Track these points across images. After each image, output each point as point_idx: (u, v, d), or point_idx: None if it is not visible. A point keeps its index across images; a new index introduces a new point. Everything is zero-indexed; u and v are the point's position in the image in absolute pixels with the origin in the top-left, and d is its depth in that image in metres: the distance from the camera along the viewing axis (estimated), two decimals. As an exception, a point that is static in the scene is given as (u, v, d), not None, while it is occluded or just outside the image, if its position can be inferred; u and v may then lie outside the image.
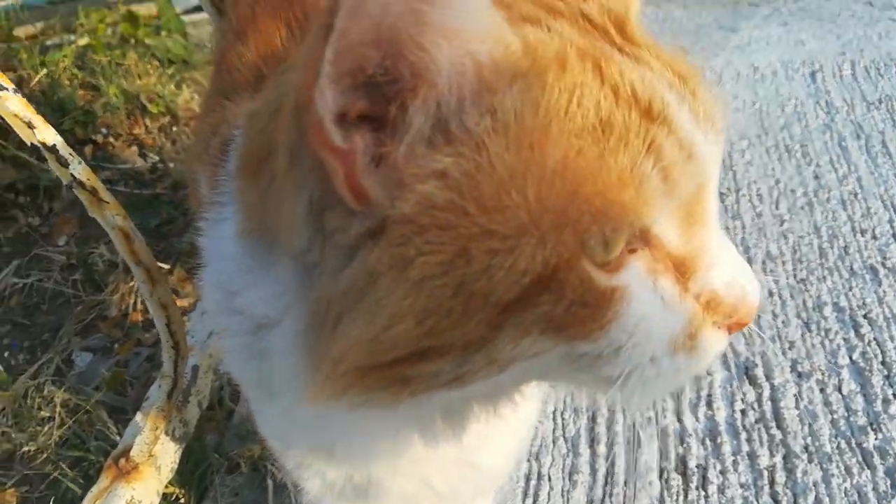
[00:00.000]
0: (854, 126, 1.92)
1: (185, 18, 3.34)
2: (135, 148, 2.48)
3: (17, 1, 3.10)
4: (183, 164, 2.19)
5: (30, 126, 0.80)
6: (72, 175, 0.83)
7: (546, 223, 0.44)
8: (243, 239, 0.59)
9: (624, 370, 0.49)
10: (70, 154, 0.84)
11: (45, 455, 1.54)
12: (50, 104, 2.46)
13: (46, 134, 0.82)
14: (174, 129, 2.57)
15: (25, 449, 1.56)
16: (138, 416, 1.11)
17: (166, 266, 1.97)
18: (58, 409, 1.61)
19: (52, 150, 0.82)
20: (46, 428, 1.58)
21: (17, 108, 0.80)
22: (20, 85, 2.51)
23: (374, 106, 0.44)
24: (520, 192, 0.44)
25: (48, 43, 3.02)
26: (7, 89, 0.80)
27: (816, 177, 1.77)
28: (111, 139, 2.48)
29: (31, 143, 0.82)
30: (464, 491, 0.81)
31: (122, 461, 1.05)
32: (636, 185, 0.44)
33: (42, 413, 1.62)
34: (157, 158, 2.29)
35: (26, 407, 1.63)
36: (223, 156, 0.66)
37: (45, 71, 2.65)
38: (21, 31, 3.02)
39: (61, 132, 2.34)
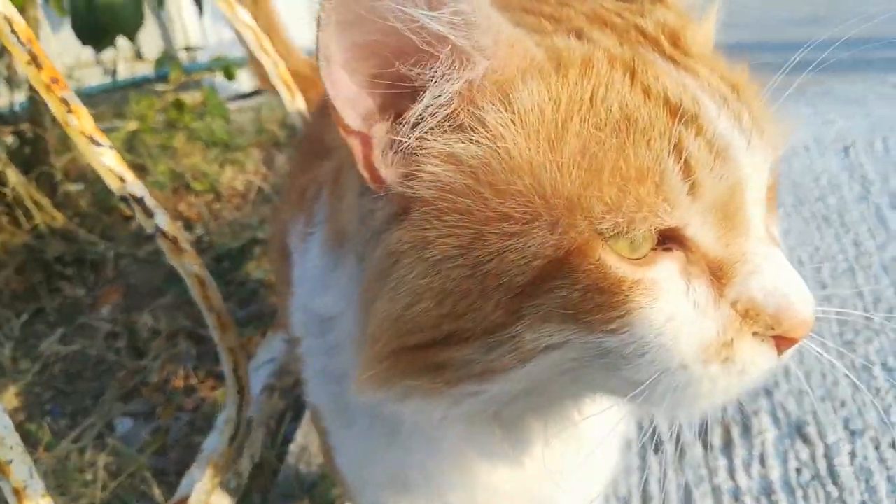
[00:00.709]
0: (890, 196, 1.99)
1: (229, 105, 3.56)
2: (179, 223, 2.62)
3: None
4: (269, 224, 2.28)
5: (121, 179, 0.90)
6: (156, 225, 0.91)
7: (559, 209, 0.46)
8: (325, 247, 0.66)
9: (652, 373, 0.49)
10: (155, 206, 0.93)
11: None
12: (100, 183, 2.62)
13: (135, 187, 0.91)
14: (216, 205, 2.71)
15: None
16: (193, 468, 1.15)
17: (208, 334, 2.05)
18: (100, 471, 1.64)
19: (140, 201, 0.91)
20: (88, 490, 1.61)
21: (111, 162, 0.89)
22: (73, 164, 2.69)
23: (391, 96, 0.50)
24: (535, 179, 0.47)
25: (101, 127, 3.22)
26: (103, 145, 0.90)
27: (856, 244, 1.82)
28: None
29: (121, 195, 0.91)
30: None
31: None
32: (655, 180, 0.46)
33: (84, 476, 1.66)
34: (202, 232, 2.41)
35: (69, 470, 1.67)
36: (318, 196, 0.72)
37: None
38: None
39: (109, 210, 2.47)
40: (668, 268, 0.49)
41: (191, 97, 3.44)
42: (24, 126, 2.37)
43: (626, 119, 0.47)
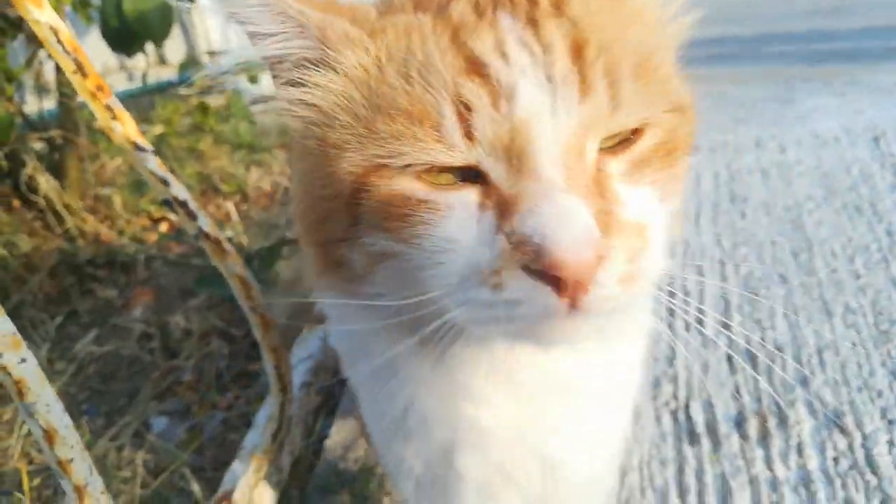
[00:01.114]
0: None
1: (252, 108, 3.61)
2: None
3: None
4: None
5: (164, 183, 0.93)
6: (199, 227, 0.94)
7: (364, 138, 0.58)
8: None
9: (442, 286, 0.56)
10: (197, 209, 0.96)
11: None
12: (129, 187, 2.67)
13: (178, 190, 0.94)
14: (244, 206, 2.75)
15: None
16: (235, 464, 1.18)
17: (240, 333, 2.09)
18: (139, 469, 1.68)
19: (183, 204, 0.94)
20: (128, 487, 1.65)
21: (154, 167, 0.92)
22: (102, 169, 2.74)
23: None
24: (352, 115, 0.59)
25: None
26: (147, 150, 0.93)
27: (889, 234, 1.81)
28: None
29: (165, 199, 0.93)
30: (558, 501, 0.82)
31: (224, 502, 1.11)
32: (433, 123, 0.54)
33: (123, 473, 1.70)
34: (231, 233, 2.45)
35: (108, 468, 1.71)
36: None
37: (121, 158, 2.88)
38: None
39: (138, 212, 2.51)
40: (464, 196, 0.56)
41: (214, 101, 3.49)
42: (55, 132, 2.42)
43: (423, 70, 0.55)
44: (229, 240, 2.42)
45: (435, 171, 0.56)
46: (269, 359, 0.98)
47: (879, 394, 1.38)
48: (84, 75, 0.86)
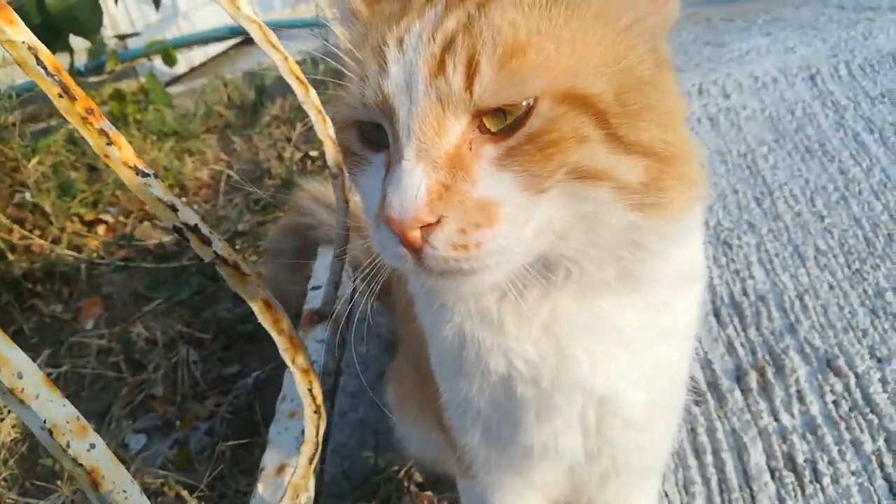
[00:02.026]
0: (865, 121, 2.05)
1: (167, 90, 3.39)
2: (147, 223, 2.50)
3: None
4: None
5: (173, 209, 0.83)
6: (214, 252, 0.86)
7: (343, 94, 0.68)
8: None
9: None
10: (210, 232, 0.87)
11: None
12: (55, 190, 2.47)
13: (188, 215, 0.85)
14: (183, 200, 2.60)
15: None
16: (259, 488, 1.12)
17: (208, 336, 1.98)
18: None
19: (195, 229, 0.85)
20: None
21: (160, 192, 0.83)
22: (16, 171, 2.52)
23: None
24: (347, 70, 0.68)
25: (34, 129, 3.03)
26: (150, 175, 0.83)
27: (842, 172, 1.88)
28: (121, 217, 2.49)
29: (174, 225, 0.85)
30: (616, 451, 0.85)
31: None
32: (358, 86, 0.64)
33: (110, 501, 1.60)
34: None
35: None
36: None
37: (37, 158, 2.65)
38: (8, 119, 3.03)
39: (69, 217, 2.34)
40: (379, 157, 0.65)
41: (126, 86, 3.26)
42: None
43: (368, 42, 0.65)
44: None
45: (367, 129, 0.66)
46: (300, 381, 0.92)
47: (864, 333, 1.44)
48: (72, 99, 0.75)
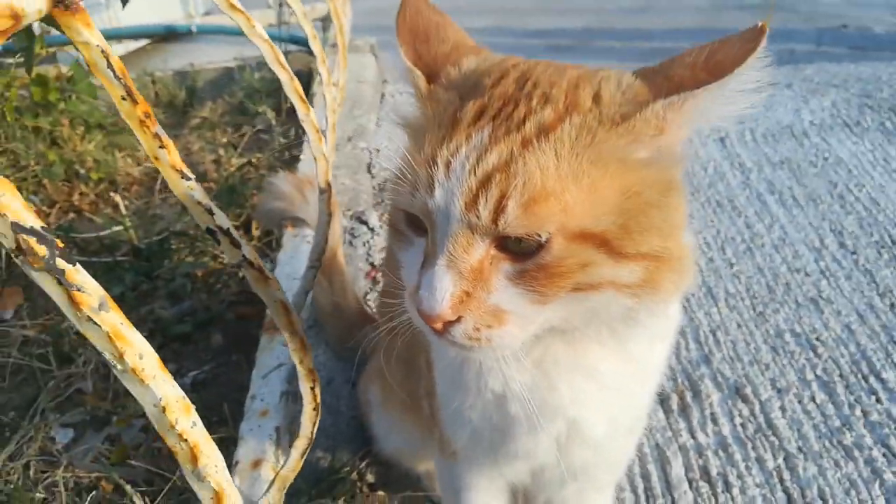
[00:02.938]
0: (767, 183, 2.33)
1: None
2: (73, 215, 2.44)
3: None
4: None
5: (210, 212, 0.90)
6: (243, 256, 0.92)
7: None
8: None
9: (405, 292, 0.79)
10: (240, 236, 0.94)
11: (56, 539, 1.49)
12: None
13: (222, 220, 0.91)
14: (114, 195, 2.55)
15: (28, 535, 1.50)
16: (236, 480, 1.16)
17: (142, 334, 1.97)
18: (61, 490, 1.56)
19: (227, 233, 0.92)
20: (49, 510, 1.53)
21: (200, 196, 0.89)
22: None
23: None
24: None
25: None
26: (192, 179, 0.90)
27: (748, 226, 2.14)
28: (45, 208, 2.42)
29: (208, 227, 0.91)
30: (578, 463, 0.98)
31: None
32: (411, 182, 0.73)
33: (37, 495, 1.57)
34: (116, 225, 2.27)
35: (18, 490, 1.57)
36: None
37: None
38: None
39: None
40: (421, 241, 0.76)
41: (43, 69, 3.14)
42: None
43: (424, 141, 0.74)
44: (122, 232, 2.25)
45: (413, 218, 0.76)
46: (305, 380, 0.99)
47: (767, 367, 1.66)
48: (134, 102, 0.81)
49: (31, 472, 1.64)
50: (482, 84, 0.76)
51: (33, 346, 1.96)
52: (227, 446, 1.64)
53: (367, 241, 2.24)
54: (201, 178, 2.65)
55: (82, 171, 2.55)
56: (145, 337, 1.82)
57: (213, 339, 1.99)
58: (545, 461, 0.99)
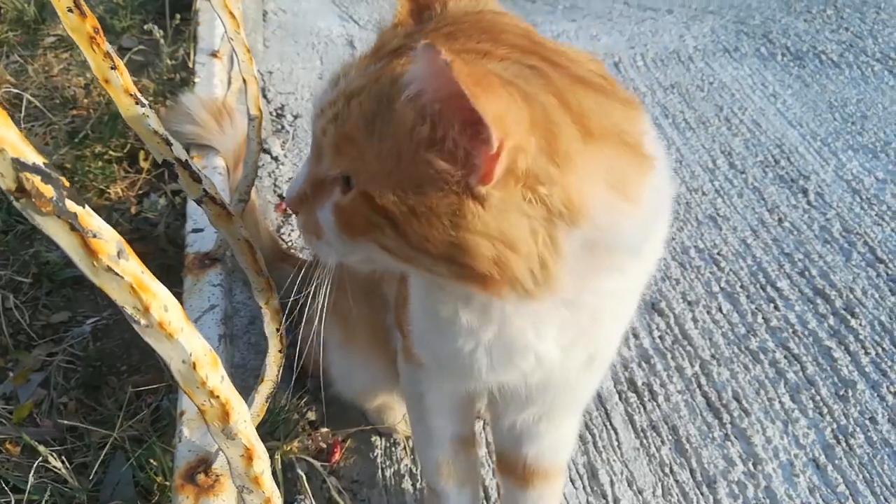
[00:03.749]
0: (660, 107, 2.43)
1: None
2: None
3: None
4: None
5: (167, 143, 0.81)
6: (203, 190, 0.84)
7: None
8: None
9: None
10: (199, 169, 0.86)
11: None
12: None
13: (179, 150, 0.83)
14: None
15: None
16: (185, 431, 1.09)
17: (26, 280, 1.78)
18: (-46, 453, 1.41)
19: (186, 165, 0.83)
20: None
21: (155, 125, 0.80)
22: None
23: None
24: None
25: None
26: (146, 105, 0.80)
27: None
28: None
29: (165, 160, 0.82)
30: (536, 392, 0.97)
31: (201, 476, 1.03)
32: None
33: (-74, 462, 1.41)
34: None
35: None
36: None
37: None
38: None
39: None
40: None
41: None
42: None
43: None
44: None
45: None
46: (271, 322, 0.94)
47: (677, 282, 1.77)
48: (82, 16, 0.70)
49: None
50: (428, 26, 0.77)
51: None
52: (157, 391, 1.55)
53: (273, 172, 2.12)
54: (71, 104, 2.39)
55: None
56: (30, 283, 1.65)
57: (110, 282, 1.84)
58: (505, 385, 0.97)
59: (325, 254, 0.80)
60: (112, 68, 0.75)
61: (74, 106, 2.38)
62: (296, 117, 2.38)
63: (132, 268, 0.50)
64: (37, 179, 0.44)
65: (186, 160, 0.83)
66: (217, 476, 1.03)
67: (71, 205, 0.46)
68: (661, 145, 0.78)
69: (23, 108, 2.27)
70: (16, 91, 2.34)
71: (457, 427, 1.13)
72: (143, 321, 0.51)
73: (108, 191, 2.04)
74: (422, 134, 0.64)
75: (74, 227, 0.46)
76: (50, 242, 1.89)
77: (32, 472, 1.33)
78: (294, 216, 0.82)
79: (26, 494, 1.28)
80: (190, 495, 1.01)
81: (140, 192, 2.07)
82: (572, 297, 0.79)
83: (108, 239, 0.48)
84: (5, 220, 1.91)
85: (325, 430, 1.41)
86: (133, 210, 2.01)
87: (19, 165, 0.43)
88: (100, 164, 2.07)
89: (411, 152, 0.65)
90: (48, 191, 0.45)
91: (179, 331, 0.53)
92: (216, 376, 0.58)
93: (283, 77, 2.58)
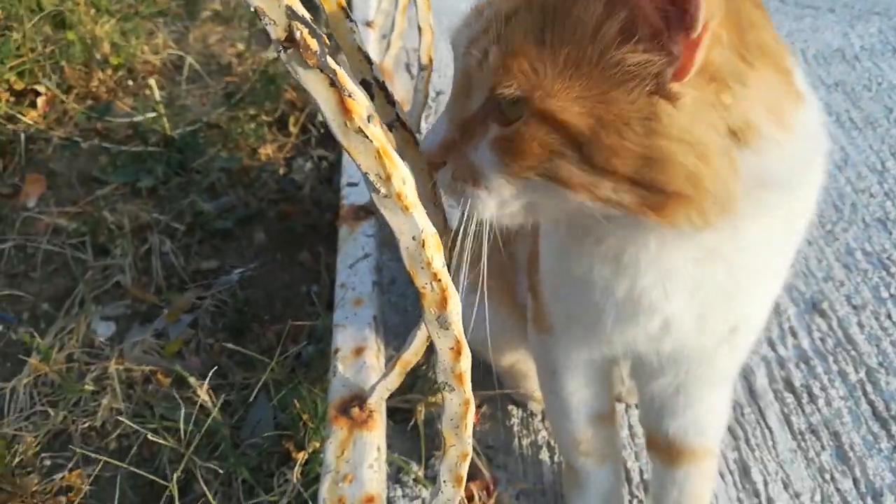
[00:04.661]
0: (824, 104, 2.27)
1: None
2: (91, 102, 2.28)
3: None
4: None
5: (368, 61, 0.80)
6: (396, 114, 0.83)
7: None
8: None
9: None
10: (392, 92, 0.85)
11: (114, 432, 1.43)
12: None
13: (377, 72, 0.82)
14: (130, 83, 2.39)
15: (83, 426, 1.44)
16: (340, 367, 1.10)
17: (181, 227, 1.87)
18: (115, 381, 1.49)
19: (383, 86, 0.82)
20: (105, 401, 1.46)
21: (359, 41, 0.79)
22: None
23: None
24: None
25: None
26: (353, 21, 0.80)
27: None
28: (61, 94, 2.25)
29: (364, 79, 0.81)
30: (668, 358, 0.92)
31: (355, 410, 1.03)
32: None
33: (87, 387, 1.50)
34: (138, 115, 2.12)
35: (66, 381, 1.49)
36: None
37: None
38: None
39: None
40: None
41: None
42: None
43: None
44: (137, 121, 2.10)
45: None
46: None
47: (841, 283, 1.64)
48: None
49: (77, 366, 1.56)
50: None
51: (64, 235, 1.86)
52: (297, 340, 1.59)
53: (415, 143, 2.14)
54: (225, 71, 2.50)
55: (98, 57, 2.37)
56: (184, 230, 1.71)
57: (256, 236, 1.90)
58: (636, 351, 0.93)
59: (482, 203, 0.73)
60: (328, -21, 0.75)
61: (230, 73, 2.49)
62: (438, 93, 2.39)
63: (380, 134, 0.48)
64: (305, 31, 0.43)
65: (384, 81, 0.82)
66: (371, 412, 1.03)
67: (332, 62, 0.45)
68: (809, 87, 0.74)
69: (184, 71, 2.39)
70: (178, 54, 2.48)
71: (593, 402, 1.08)
72: (382, 190, 0.50)
73: (259, 151, 2.11)
74: (611, 30, 0.62)
75: (334, 83, 0.45)
76: (204, 192, 1.98)
77: (182, 402, 1.39)
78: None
79: (180, 423, 1.33)
80: (344, 426, 1.01)
81: (288, 155, 2.14)
82: (713, 244, 0.74)
83: (361, 101, 0.47)
84: (165, 170, 2.02)
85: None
86: (281, 172, 2.08)
87: (292, 14, 0.43)
88: (252, 126, 2.15)
89: (597, 55, 0.63)
90: (314, 44, 0.44)
91: (414, 206, 0.52)
92: (440, 260, 0.56)
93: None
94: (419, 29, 1.20)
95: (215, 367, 1.48)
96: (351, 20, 0.78)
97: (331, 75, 0.45)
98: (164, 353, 1.58)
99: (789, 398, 1.40)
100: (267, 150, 2.12)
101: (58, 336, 1.62)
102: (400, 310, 1.59)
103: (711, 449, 1.11)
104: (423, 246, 0.54)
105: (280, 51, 0.45)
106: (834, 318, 1.56)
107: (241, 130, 2.12)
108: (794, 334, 1.53)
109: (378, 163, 0.49)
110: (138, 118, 2.06)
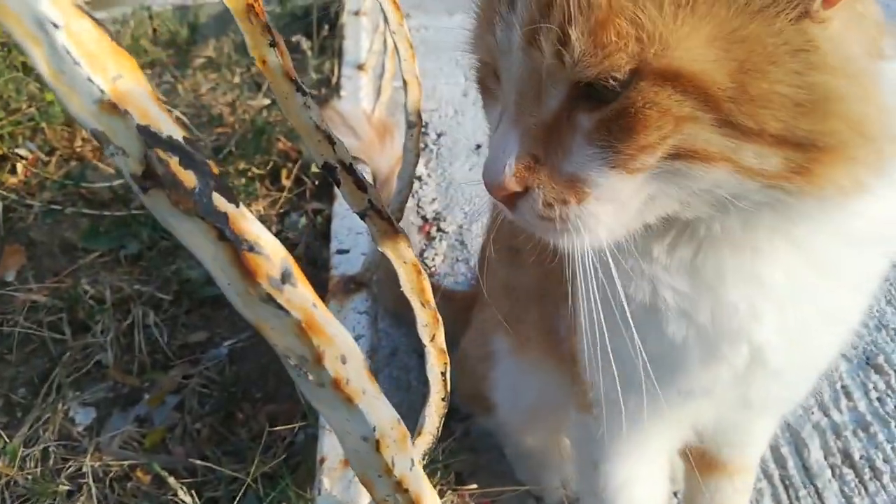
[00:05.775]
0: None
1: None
2: (75, 164, 2.17)
3: None
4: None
5: (330, 141, 0.67)
6: (369, 201, 0.69)
7: None
8: None
9: None
10: (365, 178, 0.71)
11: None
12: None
13: (343, 152, 0.69)
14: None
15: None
16: (325, 482, 0.95)
17: (167, 297, 1.74)
18: (89, 480, 1.35)
19: (351, 170, 0.69)
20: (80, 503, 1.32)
21: (317, 118, 0.67)
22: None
23: None
24: None
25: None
26: (307, 94, 0.67)
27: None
28: (43, 155, 2.15)
29: (326, 163, 0.68)
30: (755, 399, 0.79)
31: None
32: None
33: (62, 486, 1.36)
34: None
35: (38, 481, 1.35)
36: None
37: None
38: None
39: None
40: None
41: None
42: None
43: None
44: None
45: None
46: (436, 363, 0.77)
47: (896, 332, 1.46)
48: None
49: (51, 461, 1.43)
50: None
51: (42, 312, 1.73)
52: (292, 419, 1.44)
53: (416, 192, 2.00)
54: (216, 122, 2.39)
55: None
56: (170, 300, 1.58)
57: (248, 302, 1.77)
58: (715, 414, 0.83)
59: (594, 220, 0.58)
60: (271, 45, 0.62)
61: (220, 123, 2.38)
62: (439, 135, 2.26)
63: (301, 298, 0.34)
64: (174, 162, 0.29)
65: (351, 164, 0.68)
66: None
67: (220, 201, 0.31)
68: None
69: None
70: (167, 107, 2.37)
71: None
72: (311, 377, 0.36)
73: (250, 208, 1.97)
74: None
75: (224, 234, 0.31)
76: (192, 258, 1.85)
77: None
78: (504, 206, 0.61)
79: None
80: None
81: (281, 210, 2.01)
82: (803, 234, 0.63)
83: (269, 253, 0.33)
84: (150, 235, 1.90)
85: (473, 486, 1.24)
86: (274, 229, 1.95)
87: (149, 138, 0.29)
88: (243, 181, 2.03)
89: None
90: (189, 179, 0.30)
91: (359, 394, 0.37)
92: (405, 460, 0.41)
93: (426, 94, 2.47)
94: (404, 83, 1.07)
95: (202, 459, 1.34)
96: (304, 93, 0.65)
97: (218, 223, 0.31)
98: (145, 443, 1.44)
99: (849, 474, 1.22)
100: (259, 207, 2.00)
101: (33, 427, 1.49)
102: (402, 385, 1.44)
103: (750, 465, 1.04)
104: (378, 448, 0.39)
105: (139, 192, 0.31)
106: (892, 374, 1.38)
107: (230, 186, 1.99)
108: (849, 395, 1.35)
109: (301, 340, 0.34)
110: (122, 179, 1.95)
